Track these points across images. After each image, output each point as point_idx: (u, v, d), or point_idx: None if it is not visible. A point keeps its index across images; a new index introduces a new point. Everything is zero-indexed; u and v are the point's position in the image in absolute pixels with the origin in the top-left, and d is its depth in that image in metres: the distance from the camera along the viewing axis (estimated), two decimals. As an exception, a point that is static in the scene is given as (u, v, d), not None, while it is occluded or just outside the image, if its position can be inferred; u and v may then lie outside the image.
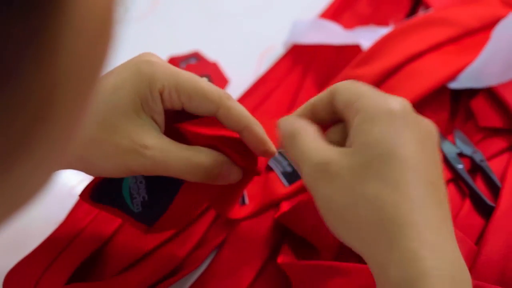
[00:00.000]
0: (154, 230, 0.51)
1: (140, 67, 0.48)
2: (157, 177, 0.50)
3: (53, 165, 0.24)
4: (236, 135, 0.49)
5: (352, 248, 0.41)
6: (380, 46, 0.72)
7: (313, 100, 0.47)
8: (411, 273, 0.36)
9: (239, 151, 0.49)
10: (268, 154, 0.49)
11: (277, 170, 0.62)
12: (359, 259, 0.43)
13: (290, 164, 0.63)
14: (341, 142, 0.44)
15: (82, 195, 0.50)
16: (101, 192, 0.51)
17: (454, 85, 0.69)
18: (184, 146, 0.47)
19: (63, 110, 0.22)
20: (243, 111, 0.49)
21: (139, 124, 0.46)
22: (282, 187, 0.60)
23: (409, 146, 0.39)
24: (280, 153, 0.63)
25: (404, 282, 0.36)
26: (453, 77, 0.69)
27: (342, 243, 0.42)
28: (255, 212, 0.58)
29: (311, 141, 0.43)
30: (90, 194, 0.51)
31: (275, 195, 0.59)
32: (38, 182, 0.24)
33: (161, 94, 0.47)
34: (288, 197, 0.60)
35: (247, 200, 0.60)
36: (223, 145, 0.49)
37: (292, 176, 0.62)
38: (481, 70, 0.68)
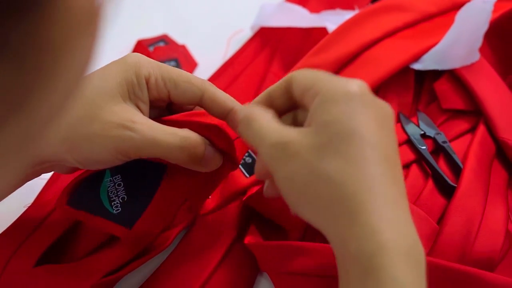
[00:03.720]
0: (134, 232, 0.50)
1: (125, 58, 0.49)
2: (136, 176, 0.50)
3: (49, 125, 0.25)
4: (215, 123, 0.50)
5: (313, 225, 0.42)
6: (337, 34, 0.73)
7: (270, 88, 0.48)
8: (370, 245, 0.37)
9: (219, 136, 0.50)
10: None
11: None
12: (324, 239, 0.44)
13: (250, 155, 0.64)
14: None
15: (58, 202, 0.50)
16: (78, 197, 0.51)
17: (418, 66, 0.70)
18: (169, 126, 0.48)
19: (61, 70, 0.23)
20: (227, 95, 0.50)
21: (125, 106, 0.47)
22: (243, 178, 0.61)
23: (367, 124, 0.40)
24: None
25: (363, 254, 0.37)
26: (409, 62, 0.70)
27: (308, 223, 0.43)
28: (219, 205, 0.59)
29: (267, 122, 0.43)
30: (67, 200, 0.50)
31: (237, 186, 0.60)
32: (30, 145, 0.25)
33: (147, 82, 0.49)
34: (249, 188, 0.61)
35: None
36: (203, 129, 0.50)
37: (252, 167, 0.63)
38: (445, 52, 0.69)
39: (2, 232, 0.55)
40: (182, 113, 0.51)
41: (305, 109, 0.44)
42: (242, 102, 0.69)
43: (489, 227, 0.55)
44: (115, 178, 0.51)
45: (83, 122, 0.46)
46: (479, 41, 0.69)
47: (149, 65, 0.49)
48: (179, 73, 0.50)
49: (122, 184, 0.51)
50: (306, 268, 0.51)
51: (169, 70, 0.50)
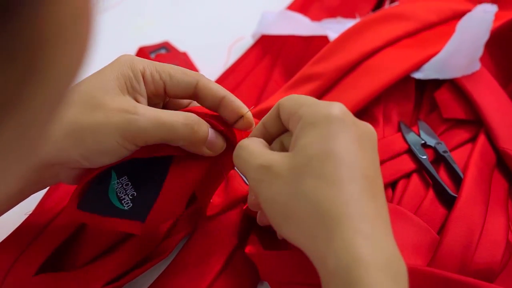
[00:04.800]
0: (148, 225, 0.50)
1: (118, 58, 0.50)
2: (143, 173, 0.51)
3: (43, 126, 0.25)
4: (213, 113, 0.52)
5: (294, 243, 0.43)
6: (338, 43, 0.73)
7: (263, 118, 0.50)
8: (347, 260, 0.38)
9: (219, 121, 0.52)
10: (247, 121, 0.52)
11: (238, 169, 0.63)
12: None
13: None
14: (283, 151, 0.47)
15: (68, 207, 0.50)
16: (87, 201, 0.51)
17: (419, 75, 0.70)
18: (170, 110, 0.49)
19: (53, 66, 0.22)
20: (219, 85, 0.52)
21: (125, 97, 0.48)
22: (243, 185, 0.61)
23: (345, 145, 0.42)
24: None
25: (341, 269, 0.38)
26: (410, 71, 0.70)
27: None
28: (223, 209, 0.59)
29: (254, 149, 0.46)
30: (78, 204, 0.50)
31: (237, 193, 0.60)
32: (29, 143, 0.24)
33: (143, 76, 0.50)
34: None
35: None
36: (203, 117, 0.51)
37: None
38: (446, 61, 0.70)
39: (3, 240, 0.55)
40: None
41: (291, 134, 0.46)
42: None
43: (489, 237, 0.55)
44: (122, 180, 0.51)
45: (85, 114, 0.46)
46: (479, 50, 0.69)
47: (142, 61, 0.51)
48: (172, 66, 0.52)
49: (129, 183, 0.51)
50: (307, 278, 0.51)
51: (162, 64, 0.51)
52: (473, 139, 0.66)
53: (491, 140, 0.65)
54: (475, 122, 0.68)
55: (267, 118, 0.50)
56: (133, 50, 0.81)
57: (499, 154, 0.64)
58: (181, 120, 0.48)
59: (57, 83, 0.24)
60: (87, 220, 0.51)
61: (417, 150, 0.64)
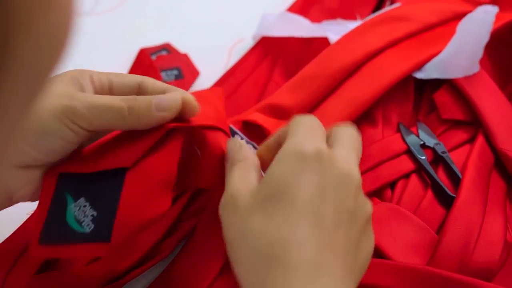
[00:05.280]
0: (114, 243, 0.45)
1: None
2: (99, 190, 0.48)
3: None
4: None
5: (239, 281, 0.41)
6: (339, 44, 0.73)
7: (269, 139, 0.48)
8: None
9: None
10: (191, 103, 0.47)
11: None
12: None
13: None
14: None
15: (32, 250, 0.46)
16: (47, 232, 0.46)
17: (420, 75, 0.71)
18: None
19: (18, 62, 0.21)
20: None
21: (70, 86, 0.46)
22: None
23: (304, 189, 0.39)
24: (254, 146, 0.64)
25: None
26: (411, 71, 0.70)
27: None
28: None
29: (239, 174, 0.44)
30: (39, 240, 0.46)
31: None
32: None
33: (90, 77, 0.48)
34: None
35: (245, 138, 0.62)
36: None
37: None
38: (447, 63, 0.70)
39: (4, 240, 0.56)
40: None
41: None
42: (244, 111, 0.70)
43: (487, 237, 0.55)
44: (79, 202, 0.47)
45: None
46: (480, 52, 0.69)
47: (91, 70, 0.49)
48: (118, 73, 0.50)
49: (87, 204, 0.47)
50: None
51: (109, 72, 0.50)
52: (471, 140, 0.67)
53: (490, 141, 0.65)
54: (474, 123, 0.68)
55: (270, 141, 0.48)
56: (133, 52, 0.81)
57: (497, 155, 0.64)
58: (119, 98, 0.45)
59: (24, 81, 0.23)
60: (52, 255, 0.46)
61: (416, 150, 0.64)
